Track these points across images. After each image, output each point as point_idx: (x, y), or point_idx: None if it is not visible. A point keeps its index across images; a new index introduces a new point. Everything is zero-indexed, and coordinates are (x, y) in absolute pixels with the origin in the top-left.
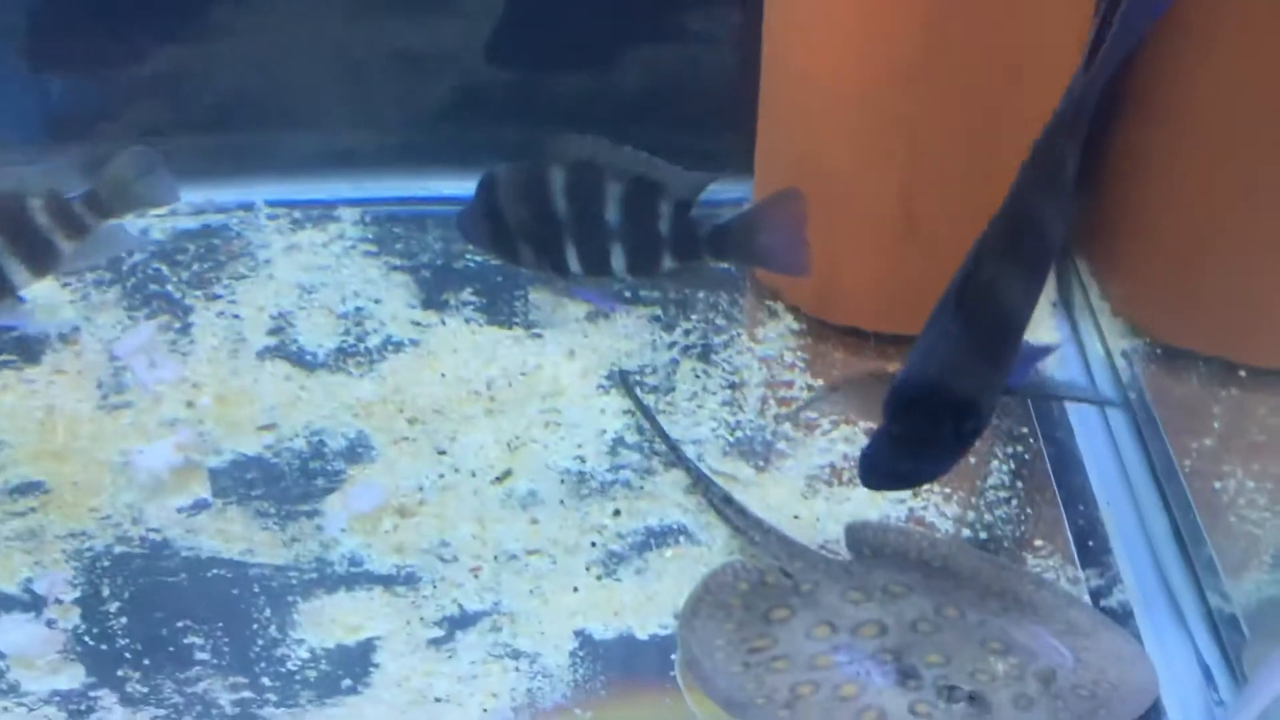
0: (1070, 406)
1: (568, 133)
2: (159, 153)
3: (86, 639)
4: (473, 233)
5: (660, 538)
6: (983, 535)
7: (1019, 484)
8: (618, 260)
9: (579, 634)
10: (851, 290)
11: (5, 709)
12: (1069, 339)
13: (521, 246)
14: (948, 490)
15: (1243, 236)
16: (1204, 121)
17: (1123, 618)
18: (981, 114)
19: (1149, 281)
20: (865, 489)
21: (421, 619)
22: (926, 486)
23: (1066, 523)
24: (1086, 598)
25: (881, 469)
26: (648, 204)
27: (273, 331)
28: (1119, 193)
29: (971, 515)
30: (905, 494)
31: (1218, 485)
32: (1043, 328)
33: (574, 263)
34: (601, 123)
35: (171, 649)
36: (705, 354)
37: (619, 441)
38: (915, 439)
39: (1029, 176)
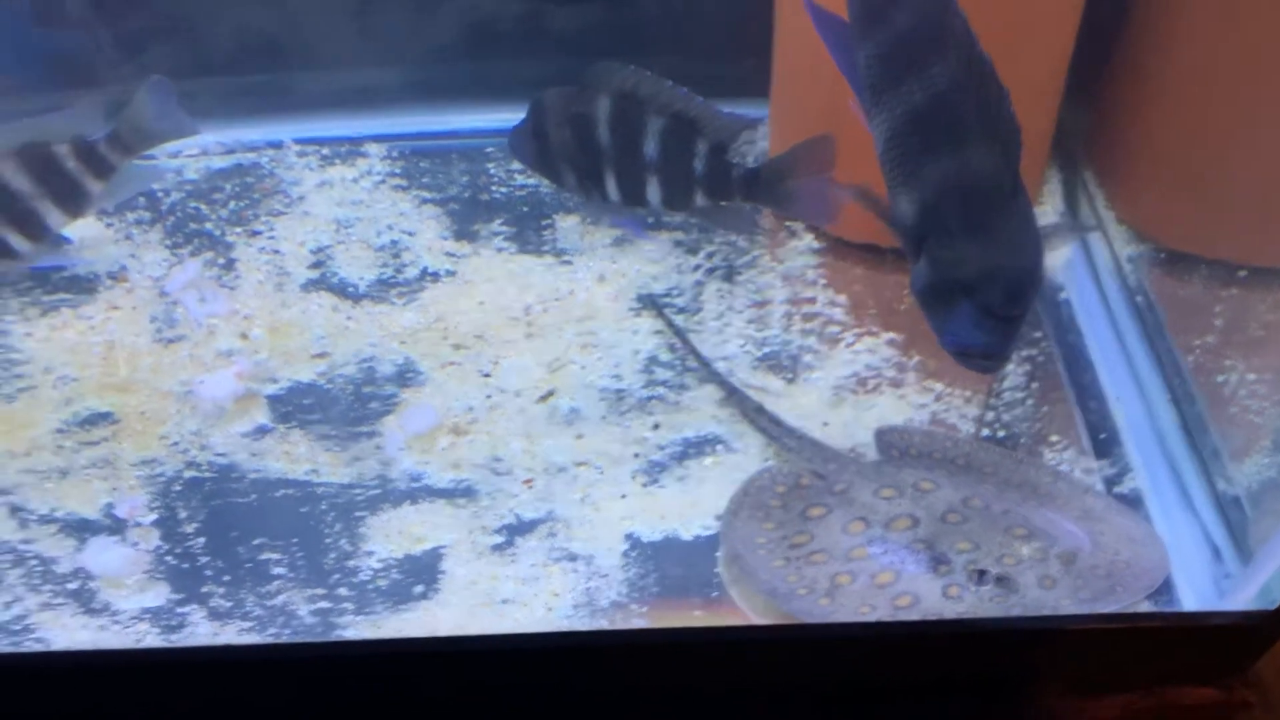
0: (1080, 309)
1: (608, 61)
2: (172, 86)
3: (168, 559)
4: (520, 151)
5: (698, 448)
6: (1001, 434)
7: (1033, 385)
8: (653, 192)
9: (629, 537)
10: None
11: (102, 626)
12: (1077, 247)
13: (564, 170)
14: (968, 393)
15: (1242, 142)
16: (1204, 26)
17: (1134, 503)
18: (998, 25)
19: (1153, 189)
20: (890, 395)
21: (482, 528)
22: (947, 391)
23: (1079, 418)
24: (1100, 486)
25: (1002, 354)
26: (685, 141)
27: (314, 265)
28: (1122, 103)
29: (990, 415)
30: (927, 398)
31: (1220, 379)
32: (1051, 238)
33: (612, 190)
34: (616, 52)
35: (250, 565)
36: (729, 274)
37: (652, 360)
38: (1019, 319)
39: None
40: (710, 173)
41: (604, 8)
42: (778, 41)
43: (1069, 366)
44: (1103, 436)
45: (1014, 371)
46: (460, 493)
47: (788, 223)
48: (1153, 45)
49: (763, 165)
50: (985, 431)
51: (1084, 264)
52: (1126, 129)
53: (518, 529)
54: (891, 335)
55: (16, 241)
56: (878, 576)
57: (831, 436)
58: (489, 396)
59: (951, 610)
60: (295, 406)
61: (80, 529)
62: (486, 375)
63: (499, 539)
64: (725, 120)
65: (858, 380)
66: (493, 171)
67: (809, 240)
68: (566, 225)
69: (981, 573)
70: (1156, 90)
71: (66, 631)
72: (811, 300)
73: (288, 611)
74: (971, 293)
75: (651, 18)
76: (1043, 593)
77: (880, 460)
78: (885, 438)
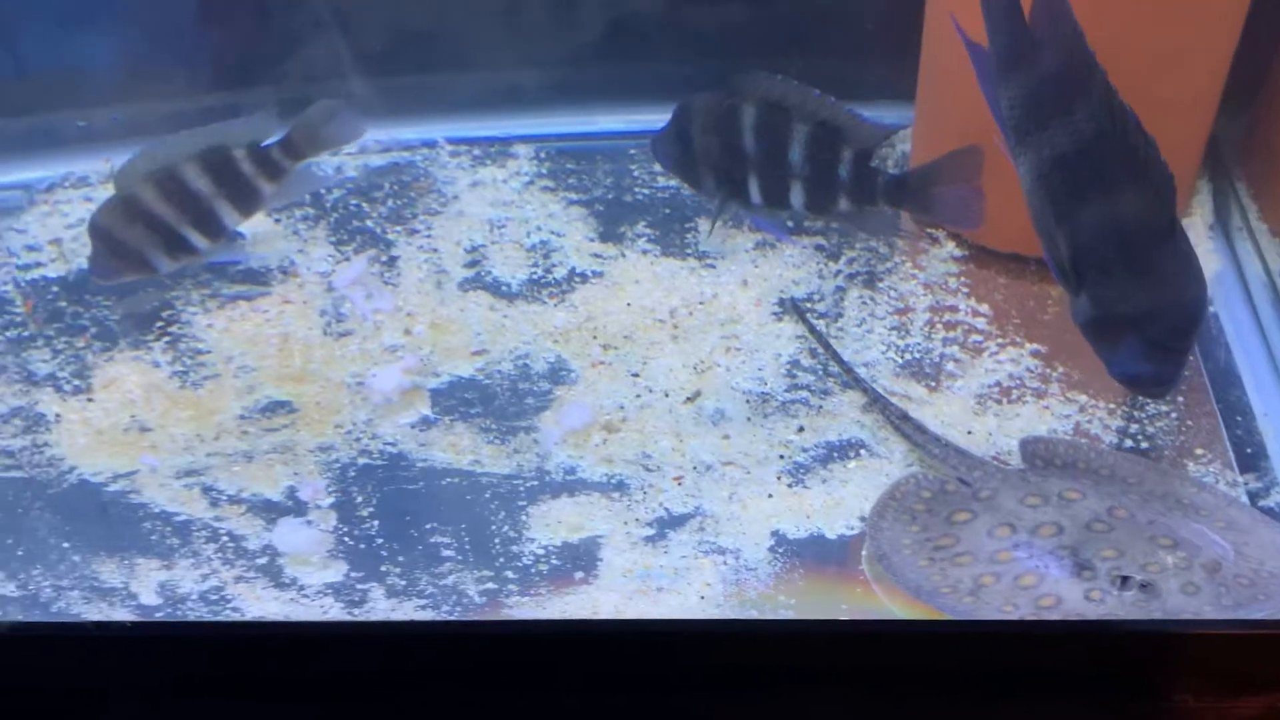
0: (1229, 324)
1: (756, 70)
2: (342, 102)
3: (347, 539)
4: (663, 155)
5: (842, 451)
6: (1144, 445)
7: (1179, 399)
8: (796, 197)
9: (775, 533)
10: (1014, 217)
11: (292, 599)
12: (1228, 261)
13: (705, 174)
14: (1111, 405)
15: None
16: None
17: None
18: (1159, 36)
19: None
20: (1033, 405)
21: (636, 520)
22: (1091, 403)
23: (1225, 433)
24: (1245, 499)
25: (1172, 382)
26: (830, 148)
27: (469, 264)
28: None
29: (1135, 428)
30: (1071, 409)
31: None
32: (1201, 249)
33: (755, 194)
34: (757, 52)
35: (421, 548)
36: (870, 281)
37: (795, 364)
38: (1186, 350)
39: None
40: (855, 178)
41: (745, 7)
42: (926, 46)
43: (1216, 381)
44: (1249, 451)
45: None
46: (613, 486)
47: (929, 230)
48: None
49: (909, 172)
50: (1129, 443)
51: (1235, 278)
52: None
53: (668, 522)
54: (1035, 346)
55: (196, 239)
56: (1021, 579)
57: (975, 445)
58: (638, 396)
59: (1093, 613)
60: (457, 400)
61: (265, 509)
62: (635, 375)
63: (651, 531)
64: (869, 127)
65: (1001, 390)
66: (636, 173)
67: (951, 248)
68: (708, 228)
69: (1125, 579)
70: None
71: (260, 603)
72: (954, 308)
73: (459, 591)
74: (1138, 327)
75: (794, 17)
76: (1185, 599)
77: (1025, 469)
78: (1030, 447)
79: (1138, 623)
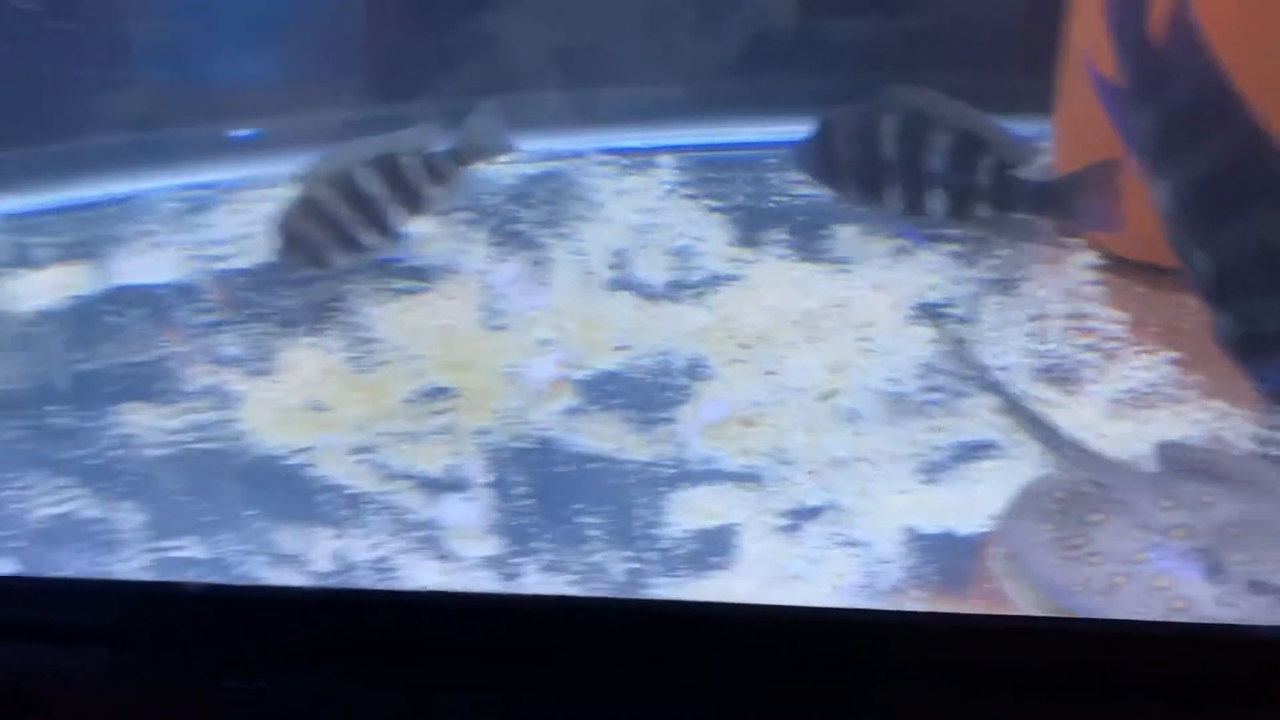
0: None
1: (903, 85)
2: (500, 111)
3: (501, 516)
4: (808, 164)
5: (975, 451)
6: None
7: None
8: (937, 204)
9: (907, 529)
10: (1151, 227)
11: (452, 570)
12: None
13: (849, 182)
14: (1249, 413)
15: None
16: None
17: None
18: None
19: None
20: (1169, 411)
21: (770, 510)
22: (1229, 410)
23: None
24: None
25: None
26: (974, 157)
27: (615, 266)
28: None
29: (1272, 435)
30: (1207, 415)
31: None
32: None
33: (897, 201)
34: (890, 67)
35: (568, 527)
36: (1007, 287)
37: (930, 367)
38: None
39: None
40: (999, 186)
41: (879, 23)
42: (1067, 59)
43: None
44: None
45: None
46: (749, 477)
47: (1067, 239)
48: None
49: (1052, 180)
50: (1268, 451)
51: None
52: None
53: (802, 514)
54: (1172, 354)
55: (368, 237)
56: (1154, 580)
57: (1109, 448)
58: (774, 393)
59: (1226, 617)
60: (602, 391)
61: (429, 485)
62: (771, 373)
63: (785, 522)
64: (1012, 138)
65: (1136, 396)
66: (773, 181)
67: (1089, 257)
68: (844, 235)
69: (1259, 583)
70: None
71: (424, 573)
72: (1091, 315)
73: (604, 569)
74: None
75: (928, 31)
76: None
77: (1159, 473)
78: (1165, 452)
79: (1272, 629)
